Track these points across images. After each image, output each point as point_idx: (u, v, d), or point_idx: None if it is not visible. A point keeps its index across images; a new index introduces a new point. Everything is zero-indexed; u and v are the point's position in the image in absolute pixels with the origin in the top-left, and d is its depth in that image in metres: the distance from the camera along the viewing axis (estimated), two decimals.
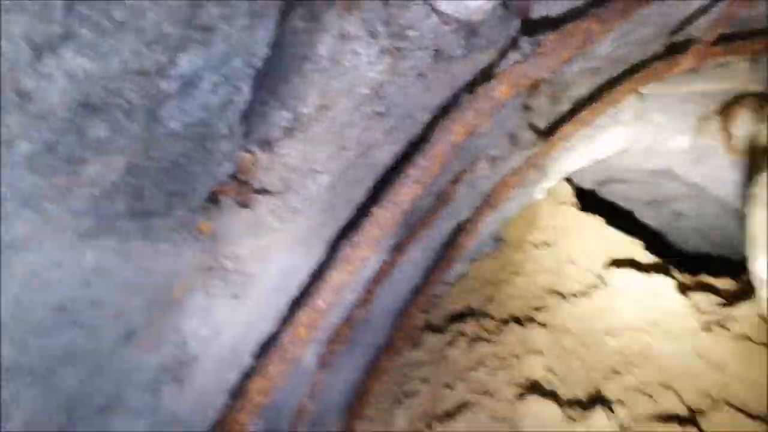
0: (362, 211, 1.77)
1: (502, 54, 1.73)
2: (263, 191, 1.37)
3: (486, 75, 1.74)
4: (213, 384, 1.44)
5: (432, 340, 3.16)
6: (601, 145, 3.67)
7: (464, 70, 1.57)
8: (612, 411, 2.22)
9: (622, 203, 7.00)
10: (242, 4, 0.72)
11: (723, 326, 2.85)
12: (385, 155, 1.60)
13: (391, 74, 1.32)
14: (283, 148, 1.24)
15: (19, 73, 0.54)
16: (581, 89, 2.89)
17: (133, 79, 0.65)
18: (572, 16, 1.74)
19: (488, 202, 2.84)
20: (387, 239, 2.09)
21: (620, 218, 7.19)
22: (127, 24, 0.59)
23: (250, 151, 1.20)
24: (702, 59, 2.64)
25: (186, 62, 0.71)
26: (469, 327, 3.05)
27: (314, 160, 1.38)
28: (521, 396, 2.30)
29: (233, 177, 1.25)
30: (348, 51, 1.13)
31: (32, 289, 0.71)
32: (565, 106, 2.96)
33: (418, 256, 2.77)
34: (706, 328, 2.84)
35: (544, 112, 2.89)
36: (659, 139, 4.34)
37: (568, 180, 4.56)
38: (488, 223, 3.41)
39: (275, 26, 0.84)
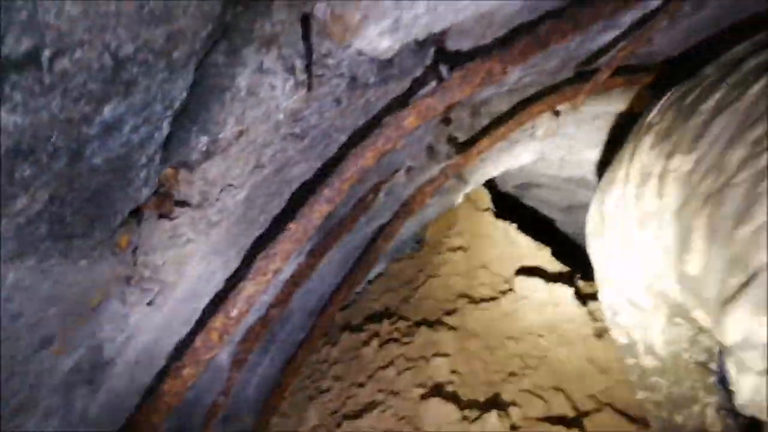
0: (278, 222, 1.86)
1: (417, 82, 1.86)
2: (182, 203, 1.44)
3: (401, 101, 1.87)
4: (127, 386, 1.50)
5: (348, 339, 3.28)
6: (517, 157, 3.91)
7: (379, 97, 1.70)
8: (506, 412, 2.41)
9: (539, 207, 7.37)
10: (161, 62, 0.81)
11: None
12: (301, 171, 1.70)
13: (308, 101, 1.42)
14: (203, 167, 1.32)
15: None
16: (500, 105, 3.09)
17: (59, 127, 0.72)
18: (482, 50, 1.90)
19: (406, 208, 2.99)
20: (303, 247, 2.19)
21: (538, 221, 7.61)
22: (55, 85, 0.66)
23: (172, 167, 1.27)
24: (605, 88, 2.90)
25: (108, 111, 0.78)
26: (384, 328, 3.20)
27: (232, 176, 1.46)
28: (425, 396, 2.46)
29: (154, 192, 1.32)
30: (266, 83, 1.22)
31: None
32: (484, 120, 3.15)
33: (338, 258, 2.88)
34: (598, 335, 3.10)
35: (464, 125, 3.07)
36: (573, 151, 4.64)
37: (489, 182, 4.77)
38: (408, 227, 3.58)
39: (193, 73, 0.92)
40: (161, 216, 1.43)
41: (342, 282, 3.09)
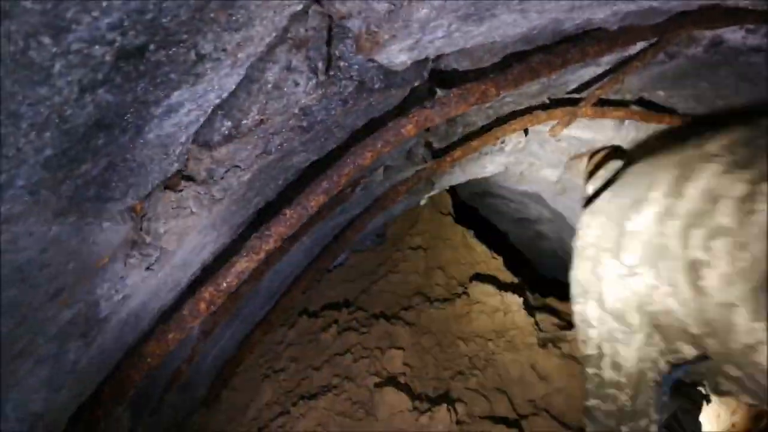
0: (271, 205, 1.96)
1: (414, 92, 2.00)
2: (189, 178, 1.52)
3: (399, 107, 2.00)
4: (114, 343, 1.58)
5: (306, 322, 3.39)
6: (484, 167, 4.10)
7: (380, 101, 1.82)
8: (454, 408, 2.58)
9: (491, 216, 7.62)
10: (229, 59, 0.91)
11: (555, 345, 3.36)
12: (299, 160, 1.81)
13: (320, 99, 1.54)
14: (219, 148, 1.41)
15: None
16: (476, 118, 3.25)
17: (136, 107, 0.81)
18: (479, 72, 2.05)
19: (378, 204, 3.12)
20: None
21: (493, 228, 7.87)
22: (147, 72, 0.77)
23: (195, 145, 1.36)
24: (576, 117, 3.10)
25: (176, 96, 0.88)
26: (343, 316, 3.33)
27: (240, 158, 1.55)
28: (379, 385, 2.60)
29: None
30: (290, 80, 1.32)
31: (5, 250, 0.84)
32: (459, 130, 3.32)
33: (307, 243, 2.99)
34: (542, 344, 3.33)
35: (440, 134, 3.23)
36: (533, 168, 4.88)
37: (452, 189, 4.95)
38: (374, 221, 3.71)
39: (246, 70, 1.03)
40: (167, 188, 1.51)
41: (307, 268, 3.20)
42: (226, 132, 1.33)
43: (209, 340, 2.56)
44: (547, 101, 3.17)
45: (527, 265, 7.88)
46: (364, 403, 2.54)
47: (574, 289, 2.41)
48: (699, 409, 3.03)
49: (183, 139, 1.08)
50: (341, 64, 1.59)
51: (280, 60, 1.25)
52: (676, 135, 2.69)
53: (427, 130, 3.02)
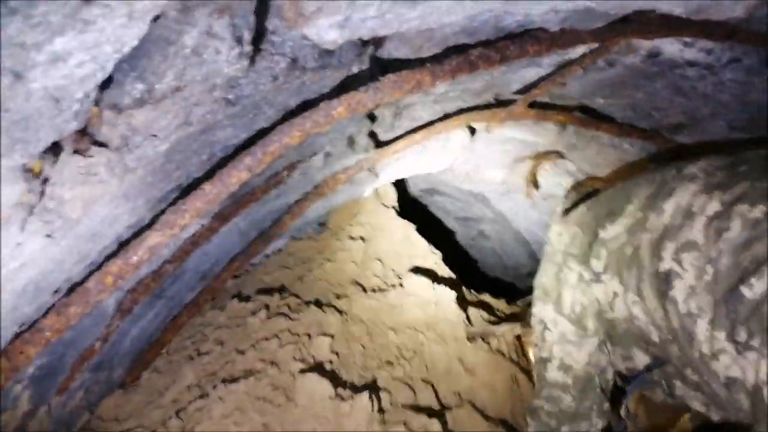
0: (193, 180, 1.89)
1: (351, 76, 1.96)
2: (101, 144, 1.44)
3: (335, 90, 1.96)
4: (8, 314, 1.48)
5: (236, 306, 3.31)
6: (429, 164, 4.10)
7: (314, 81, 1.77)
8: (378, 397, 2.57)
9: (438, 213, 7.71)
10: (123, 8, 0.85)
11: (485, 340, 3.40)
12: (225, 135, 1.74)
13: (247, 71, 1.48)
14: (131, 112, 1.34)
15: None
16: (422, 112, 3.24)
17: (12, 50, 0.74)
18: (417, 61, 2.03)
19: (317, 191, 3.08)
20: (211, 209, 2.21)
21: (437, 224, 7.97)
22: (18, 10, 0.69)
23: (101, 107, 1.28)
24: (518, 117, 3.14)
25: (60, 43, 0.81)
26: (275, 301, 3.26)
27: (157, 127, 1.48)
28: (303, 371, 2.56)
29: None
30: (211, 47, 1.26)
31: None
32: (405, 122, 3.30)
33: (241, 226, 2.91)
34: (472, 339, 3.37)
35: (386, 124, 3.20)
36: (479, 168, 4.93)
37: (401, 185, 4.94)
38: (315, 209, 3.66)
39: (148, 25, 0.96)
40: (76, 152, 1.42)
41: (240, 251, 3.12)
42: (138, 95, 1.25)
43: (127, 320, 2.46)
44: (493, 101, 3.20)
45: (469, 262, 8.03)
46: (285, 389, 2.49)
47: (536, 292, 2.44)
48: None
49: (79, 94, 1.01)
50: (274, 38, 1.54)
51: (199, 23, 1.19)
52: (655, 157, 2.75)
53: (373, 120, 2.99)
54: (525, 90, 2.86)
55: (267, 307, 3.20)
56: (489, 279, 7.81)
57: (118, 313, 2.28)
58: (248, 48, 1.35)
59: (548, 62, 2.46)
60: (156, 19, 1.00)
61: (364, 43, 1.79)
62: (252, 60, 1.43)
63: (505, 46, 1.88)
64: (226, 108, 1.57)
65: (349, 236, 4.03)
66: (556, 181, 4.57)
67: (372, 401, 2.46)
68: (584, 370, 2.25)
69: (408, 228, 4.47)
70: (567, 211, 2.57)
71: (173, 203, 1.62)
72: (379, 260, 3.93)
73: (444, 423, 2.67)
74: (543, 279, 2.43)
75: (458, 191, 6.30)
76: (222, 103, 1.54)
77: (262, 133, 1.87)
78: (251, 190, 2.50)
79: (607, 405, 2.31)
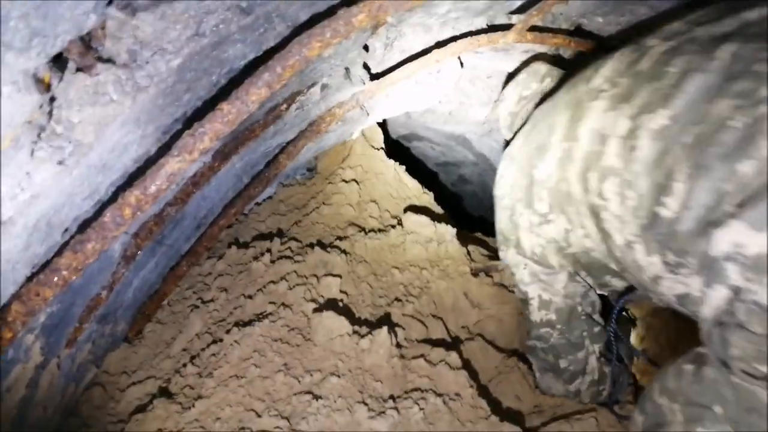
0: (204, 104, 1.76)
1: None
2: (108, 60, 1.30)
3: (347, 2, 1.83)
4: (20, 254, 1.36)
5: (236, 253, 3.21)
6: (420, 98, 3.99)
7: None
8: (394, 332, 2.54)
9: (420, 158, 7.64)
10: None
11: (488, 274, 3.39)
12: (236, 53, 1.61)
13: None
14: (141, 18, 1.20)
15: None
16: (413, 43, 3.11)
17: None
18: None
19: (313, 128, 2.96)
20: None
21: (420, 170, 7.91)
22: None
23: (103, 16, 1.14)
24: (515, 41, 3.04)
25: None
26: (275, 246, 3.17)
27: (168, 39, 1.34)
28: (316, 311, 2.50)
29: (81, 38, 1.18)
30: None
31: None
32: (396, 55, 3.17)
33: (237, 168, 2.79)
34: (475, 273, 3.35)
35: (377, 56, 3.07)
36: (463, 106, 4.83)
37: (381, 126, 4.82)
38: (307, 150, 3.54)
39: None
40: (80, 69, 1.29)
41: (237, 195, 3.01)
42: None
43: (131, 267, 2.35)
44: (486, 26, 3.09)
45: (451, 207, 8.05)
46: (301, 329, 2.44)
47: (498, 237, 2.50)
48: (629, 334, 3.20)
49: None
50: None
51: None
52: (576, 64, 2.63)
53: (367, 50, 2.85)
54: (525, 9, 2.76)
55: (269, 251, 3.11)
56: (472, 221, 7.86)
57: (123, 259, 2.16)
58: None
59: None
60: None
61: None
62: None
63: None
64: (239, 17, 1.43)
65: (341, 179, 3.93)
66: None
67: (390, 336, 2.42)
68: (564, 302, 2.32)
69: (398, 169, 4.39)
70: (506, 144, 2.57)
71: (188, 127, 1.50)
72: (375, 202, 3.86)
73: (461, 354, 2.66)
74: (501, 225, 2.45)
75: (438, 135, 6.22)
76: (236, 11, 1.41)
77: (272, 52, 1.74)
78: (251, 125, 2.37)
79: (597, 328, 2.39)
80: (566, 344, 2.37)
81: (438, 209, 4.27)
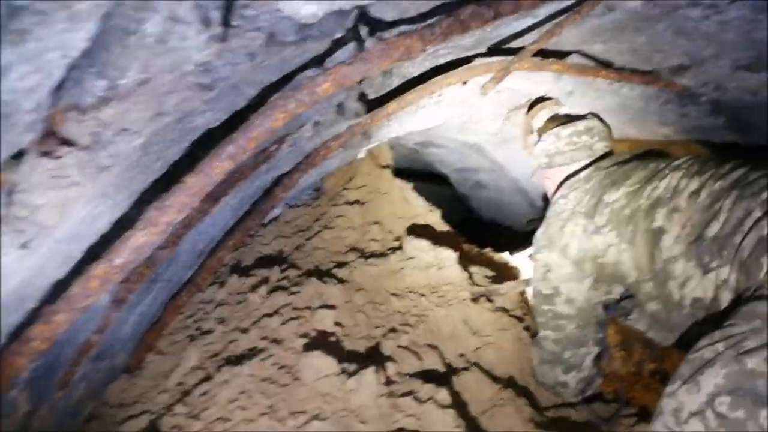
0: (177, 168, 1.78)
1: (337, 43, 1.83)
2: (70, 143, 1.33)
3: (319, 60, 1.83)
4: None
5: (236, 282, 3.26)
6: (422, 121, 3.97)
7: (296, 55, 1.65)
8: (384, 367, 2.54)
9: (435, 164, 7.64)
10: (59, 10, 0.73)
11: (488, 299, 3.36)
12: (206, 120, 1.63)
13: (220, 53, 1.36)
14: (99, 110, 1.23)
15: None
16: (411, 68, 3.10)
17: None
18: (404, 22, 1.90)
19: (309, 161, 2.97)
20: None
21: (436, 176, 7.91)
22: None
23: (61, 109, 1.17)
24: (509, 71, 2.99)
25: None
26: (274, 274, 3.20)
27: (129, 120, 1.37)
28: (307, 348, 2.52)
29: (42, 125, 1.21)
30: (176, 33, 1.14)
31: None
32: (395, 81, 3.16)
33: (233, 203, 2.82)
34: (475, 299, 3.32)
35: (375, 84, 3.06)
36: (473, 119, 4.78)
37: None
38: (308, 177, 3.56)
39: (98, 24, 0.85)
40: (44, 154, 1.32)
41: (234, 227, 3.04)
42: (101, 93, 1.14)
43: (124, 308, 2.40)
44: (486, 51, 3.04)
45: (469, 212, 8.04)
46: (290, 367, 2.46)
47: (540, 242, 2.86)
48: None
49: (29, 106, 0.91)
50: (247, 12, 1.41)
51: (161, 9, 1.07)
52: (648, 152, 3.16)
53: (361, 81, 2.85)
54: (519, 36, 2.72)
55: (266, 281, 3.14)
56: (486, 224, 7.84)
57: (112, 305, 2.22)
58: (218, 29, 1.22)
59: (544, 12, 2.31)
60: (107, 15, 0.89)
61: (346, 11, 1.65)
62: (224, 40, 1.31)
63: (498, 2, 1.74)
64: (202, 93, 1.45)
65: (345, 201, 3.94)
66: None
67: (378, 374, 2.42)
68: (585, 304, 2.69)
69: (404, 187, 4.38)
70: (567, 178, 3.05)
71: (155, 195, 1.53)
72: (378, 223, 3.86)
73: (452, 389, 2.65)
74: (550, 231, 2.83)
75: (454, 142, 6.19)
76: (197, 89, 1.42)
77: (245, 112, 1.76)
78: (239, 168, 2.40)
79: (600, 334, 2.77)
80: (576, 338, 2.72)
81: (444, 227, 4.24)
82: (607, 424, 2.76)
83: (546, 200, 5.31)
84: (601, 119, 3.37)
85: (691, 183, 2.24)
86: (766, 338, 1.57)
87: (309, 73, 1.73)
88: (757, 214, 1.85)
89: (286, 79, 1.76)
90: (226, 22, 1.28)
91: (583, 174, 2.95)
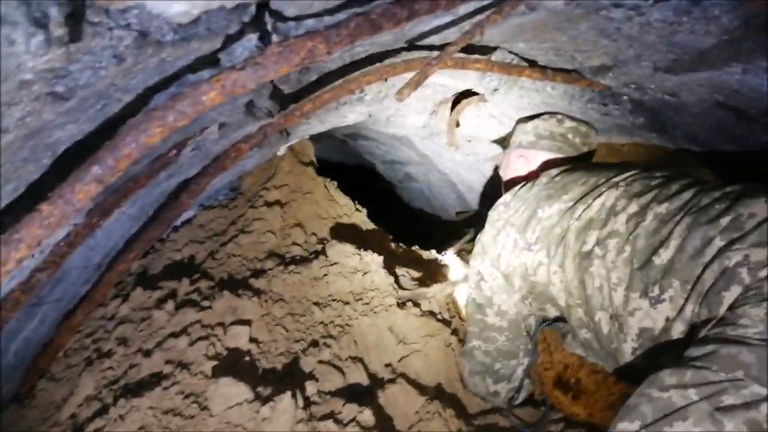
0: (42, 189, 1.52)
1: (232, 38, 1.61)
2: None
3: (209, 59, 1.61)
4: None
5: (141, 295, 2.97)
6: (344, 117, 3.79)
7: (179, 56, 1.42)
8: (303, 388, 2.36)
9: (367, 157, 7.54)
10: None
11: (415, 303, 3.24)
12: (68, 134, 1.38)
13: (71, 56, 1.12)
14: None
15: None
16: (329, 63, 2.90)
17: None
18: (307, 17, 1.70)
19: (218, 164, 2.72)
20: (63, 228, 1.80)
21: (364, 168, 7.80)
22: None
23: None
24: (429, 73, 2.85)
25: None
26: (183, 287, 2.94)
27: None
28: (217, 371, 2.30)
29: None
30: (2, 37, 0.91)
31: None
32: (313, 76, 2.95)
33: (130, 213, 2.54)
34: (402, 304, 3.19)
35: (291, 80, 2.84)
36: (400, 113, 4.65)
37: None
38: (221, 178, 3.30)
39: None
40: None
41: (135, 238, 2.76)
42: None
43: (3, 338, 2.10)
44: (405, 45, 2.89)
45: (399, 200, 8.04)
46: (198, 395, 2.24)
47: (477, 248, 2.81)
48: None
49: None
50: (110, 7, 1.17)
51: None
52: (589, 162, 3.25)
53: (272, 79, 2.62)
54: (441, 31, 2.57)
55: (174, 294, 2.88)
56: (415, 215, 7.85)
57: None
58: (60, 30, 0.99)
59: (465, 10, 2.17)
60: None
61: (241, 6, 1.44)
62: (75, 40, 1.08)
63: (412, 1, 1.58)
64: (55, 104, 1.21)
65: (264, 202, 3.71)
66: (478, 123, 4.40)
67: (295, 398, 2.25)
68: (515, 316, 2.68)
69: (329, 186, 4.20)
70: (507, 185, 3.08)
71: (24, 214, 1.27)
72: (300, 226, 3.66)
73: (377, 405, 2.52)
74: (484, 238, 2.79)
75: (382, 135, 6.08)
76: (48, 99, 1.18)
77: (120, 121, 1.52)
78: (133, 177, 2.14)
79: (531, 345, 2.78)
80: (507, 350, 2.70)
81: (371, 226, 4.10)
82: (535, 429, 2.69)
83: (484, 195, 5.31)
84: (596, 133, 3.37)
85: (630, 205, 2.10)
86: (749, 395, 1.34)
87: (192, 78, 1.50)
88: (719, 243, 1.71)
89: (171, 79, 1.53)
90: (76, 20, 1.05)
91: (532, 182, 2.81)
